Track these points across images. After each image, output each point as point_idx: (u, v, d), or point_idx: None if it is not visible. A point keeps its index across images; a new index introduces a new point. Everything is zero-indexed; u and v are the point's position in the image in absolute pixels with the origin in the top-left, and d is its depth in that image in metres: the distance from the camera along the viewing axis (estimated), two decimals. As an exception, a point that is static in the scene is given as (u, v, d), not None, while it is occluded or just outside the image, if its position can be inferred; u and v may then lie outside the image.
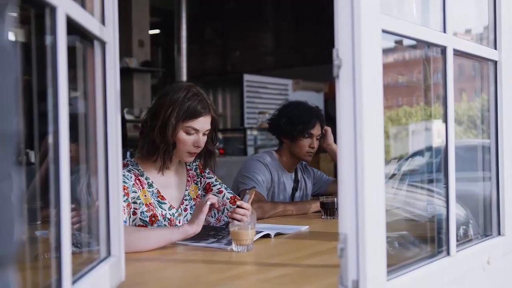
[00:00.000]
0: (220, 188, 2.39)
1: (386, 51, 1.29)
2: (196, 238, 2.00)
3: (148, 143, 2.19)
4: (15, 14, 0.58)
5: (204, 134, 2.22)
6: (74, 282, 1.07)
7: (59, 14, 0.97)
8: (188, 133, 2.18)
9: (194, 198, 2.35)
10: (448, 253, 1.52)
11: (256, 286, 1.51)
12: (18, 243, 0.57)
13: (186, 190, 2.34)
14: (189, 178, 2.37)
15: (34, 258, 1.23)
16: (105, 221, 1.35)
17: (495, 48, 1.81)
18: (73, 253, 1.06)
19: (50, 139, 0.97)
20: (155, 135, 2.15)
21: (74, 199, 1.16)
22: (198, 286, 1.52)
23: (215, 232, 2.15)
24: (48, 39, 0.97)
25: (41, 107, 1.01)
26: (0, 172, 0.52)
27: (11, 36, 0.56)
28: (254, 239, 1.92)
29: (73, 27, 1.09)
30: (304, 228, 2.36)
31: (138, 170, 2.21)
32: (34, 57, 1.04)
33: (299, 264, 1.73)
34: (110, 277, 1.30)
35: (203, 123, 2.20)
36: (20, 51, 0.59)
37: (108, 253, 1.35)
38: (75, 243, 1.29)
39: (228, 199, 2.35)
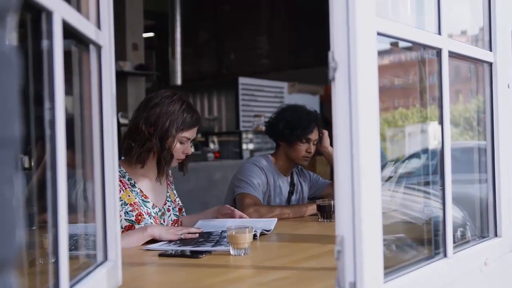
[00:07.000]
0: (169, 205, 2.45)
1: (381, 53, 1.29)
2: (195, 244, 1.99)
3: (145, 151, 2.23)
4: (16, 20, 0.58)
5: (191, 142, 2.34)
6: (71, 286, 1.07)
7: (55, 19, 0.97)
8: (181, 143, 2.28)
9: (173, 201, 2.44)
10: (445, 255, 1.52)
11: (254, 290, 1.51)
12: (20, 247, 0.57)
13: (167, 192, 2.43)
14: (168, 182, 2.46)
15: (30, 263, 1.22)
16: (102, 226, 1.35)
17: (490, 50, 1.81)
18: (70, 257, 1.05)
19: (47, 144, 0.96)
20: (153, 144, 2.22)
21: (70, 204, 1.16)
22: (196, 290, 1.52)
23: (208, 236, 2.14)
24: (44, 43, 0.97)
25: (36, 111, 1.01)
26: (2, 176, 0.52)
27: (13, 42, 0.56)
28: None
29: (69, 31, 1.09)
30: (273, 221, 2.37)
31: (119, 172, 2.24)
32: (30, 61, 1.03)
33: (297, 267, 1.73)
34: (107, 282, 1.30)
35: (195, 132, 2.33)
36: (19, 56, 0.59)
37: (105, 258, 1.35)
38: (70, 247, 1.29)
39: (172, 221, 2.40)
